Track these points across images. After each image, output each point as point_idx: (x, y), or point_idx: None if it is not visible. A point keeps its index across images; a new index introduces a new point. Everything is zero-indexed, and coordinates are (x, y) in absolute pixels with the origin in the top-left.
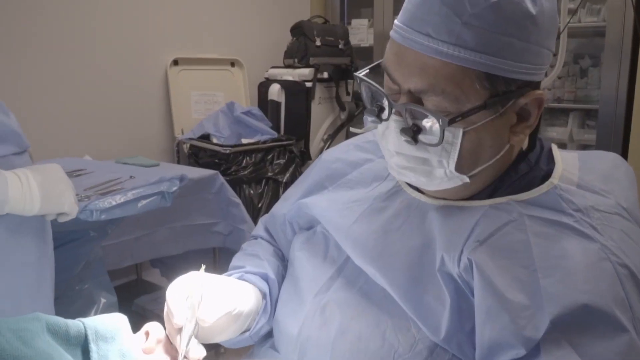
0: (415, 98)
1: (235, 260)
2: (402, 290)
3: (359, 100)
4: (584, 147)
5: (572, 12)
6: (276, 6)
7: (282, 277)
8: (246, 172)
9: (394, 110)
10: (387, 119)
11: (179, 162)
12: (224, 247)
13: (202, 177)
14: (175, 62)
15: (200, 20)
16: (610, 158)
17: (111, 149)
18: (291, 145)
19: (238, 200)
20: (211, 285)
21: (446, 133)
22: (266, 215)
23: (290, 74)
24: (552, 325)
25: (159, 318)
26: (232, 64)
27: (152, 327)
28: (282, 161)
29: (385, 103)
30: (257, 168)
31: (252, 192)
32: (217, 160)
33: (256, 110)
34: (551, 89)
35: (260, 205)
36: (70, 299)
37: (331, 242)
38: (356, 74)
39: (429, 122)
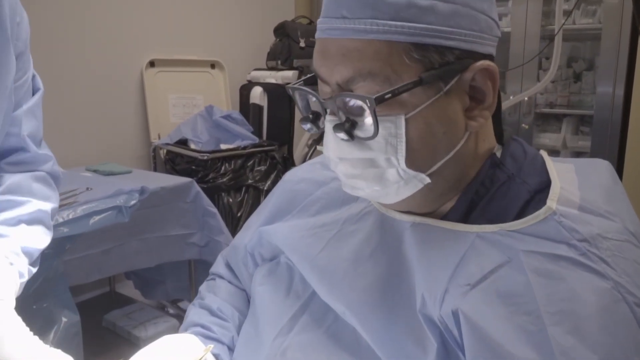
0: (345, 90)
1: (194, 314)
2: (376, 332)
3: None
4: (578, 154)
5: (567, 14)
6: (259, 6)
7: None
8: (225, 179)
9: (328, 111)
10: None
11: (155, 169)
12: (200, 259)
13: (176, 186)
14: (152, 64)
15: (179, 19)
16: (606, 168)
17: (82, 156)
18: (273, 151)
19: (215, 210)
20: None
21: (386, 123)
22: (227, 248)
23: (274, 77)
24: None
25: (130, 334)
26: (213, 66)
27: None
28: (263, 168)
29: (320, 107)
30: (236, 175)
31: (231, 200)
32: (194, 167)
33: (236, 114)
34: (543, 93)
35: (239, 214)
36: (27, 320)
37: (296, 274)
38: (288, 85)
39: (362, 114)
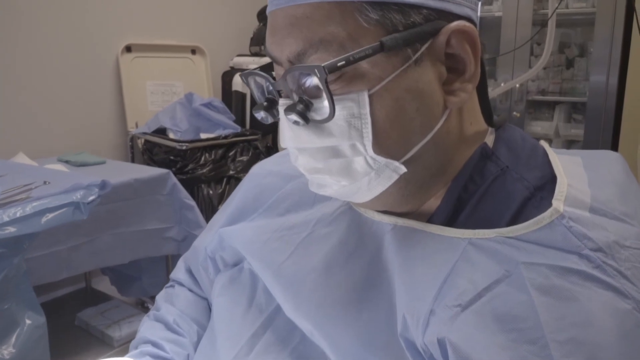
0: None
1: (146, 328)
2: (349, 357)
3: None
4: (571, 142)
5: None
6: None
7: None
8: (205, 170)
9: (282, 94)
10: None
11: (133, 159)
12: (177, 254)
13: (151, 177)
14: (128, 49)
15: (157, 1)
16: (617, 161)
17: (54, 145)
18: (256, 140)
19: (193, 202)
20: None
21: (347, 102)
22: (188, 251)
23: (257, 63)
24: None
25: (103, 334)
26: (193, 52)
27: None
28: (245, 158)
29: (275, 93)
30: (217, 166)
31: (211, 192)
32: (172, 157)
33: (217, 102)
34: (535, 80)
35: (220, 206)
36: None
37: (260, 283)
38: (241, 73)
39: (320, 95)
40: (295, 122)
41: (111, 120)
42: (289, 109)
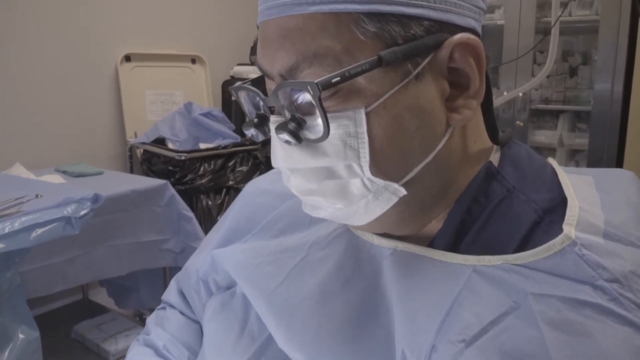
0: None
1: (135, 354)
2: None
3: None
4: (575, 152)
5: (564, 5)
6: None
7: None
8: (204, 180)
9: (273, 110)
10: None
11: (131, 169)
12: (175, 266)
13: (149, 188)
14: (127, 58)
15: (157, 10)
16: (631, 180)
17: (52, 156)
18: (256, 150)
19: (191, 214)
20: None
21: (343, 120)
22: (180, 271)
23: (258, 72)
24: None
25: (99, 348)
26: (193, 61)
27: None
28: (245, 168)
29: (266, 108)
30: (216, 176)
31: (210, 203)
32: (171, 168)
33: (217, 112)
34: (538, 89)
35: (219, 217)
36: None
37: (253, 309)
38: (231, 87)
39: (314, 112)
40: (287, 142)
41: (110, 130)
42: (280, 128)
